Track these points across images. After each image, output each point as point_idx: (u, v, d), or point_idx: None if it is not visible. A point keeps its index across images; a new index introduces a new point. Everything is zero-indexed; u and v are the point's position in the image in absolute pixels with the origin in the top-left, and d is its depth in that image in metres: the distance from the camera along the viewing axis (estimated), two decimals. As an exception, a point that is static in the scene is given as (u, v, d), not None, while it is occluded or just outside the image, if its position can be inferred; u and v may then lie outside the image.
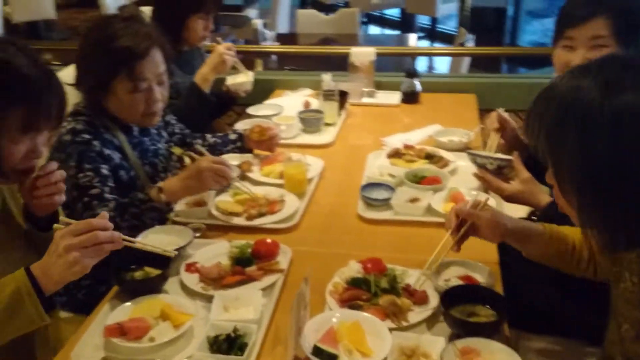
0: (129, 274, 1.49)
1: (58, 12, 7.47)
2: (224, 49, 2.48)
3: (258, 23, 4.12)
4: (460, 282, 1.42)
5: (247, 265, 1.53)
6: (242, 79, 2.57)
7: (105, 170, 1.74)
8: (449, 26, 8.08)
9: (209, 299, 1.42)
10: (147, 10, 2.56)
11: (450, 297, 1.32)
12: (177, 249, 1.56)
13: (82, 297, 1.80)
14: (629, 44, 1.60)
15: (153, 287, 1.46)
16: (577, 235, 1.38)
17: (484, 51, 3.56)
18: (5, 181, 1.37)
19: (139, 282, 1.47)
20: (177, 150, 2.09)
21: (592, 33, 1.62)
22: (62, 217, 1.29)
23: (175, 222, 1.77)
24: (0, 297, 1.16)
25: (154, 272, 1.49)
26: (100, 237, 1.21)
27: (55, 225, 1.25)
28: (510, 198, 1.71)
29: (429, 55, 5.99)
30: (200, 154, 2.05)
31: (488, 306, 1.32)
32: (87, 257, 1.20)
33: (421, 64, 6.81)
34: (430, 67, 6.69)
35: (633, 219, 0.96)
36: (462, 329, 1.26)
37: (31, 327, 1.20)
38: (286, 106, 2.65)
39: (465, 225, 1.40)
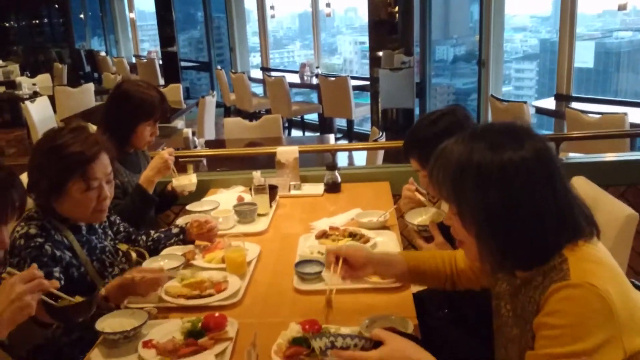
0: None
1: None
2: (168, 155, 2.70)
3: (188, 132, 4.39)
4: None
5: (198, 337, 1.69)
6: (186, 181, 2.80)
7: (57, 273, 1.90)
8: (366, 127, 8.75)
9: (167, 369, 1.58)
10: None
11: (377, 343, 1.56)
12: (133, 329, 1.73)
13: None
14: None
15: (82, 311, 1.63)
16: (440, 258, 1.77)
17: (384, 145, 4.01)
18: None
19: (67, 308, 1.59)
20: (123, 247, 2.28)
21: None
22: (9, 268, 1.49)
23: (128, 307, 1.91)
24: None
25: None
26: (44, 284, 1.45)
27: (4, 275, 1.44)
28: None
29: (344, 150, 6.87)
30: (142, 255, 2.26)
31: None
32: (33, 301, 1.41)
33: (343, 161, 7.31)
34: (351, 163, 7.20)
35: (519, 246, 1.24)
36: None
37: None
38: (222, 201, 2.88)
39: (340, 259, 1.78)
